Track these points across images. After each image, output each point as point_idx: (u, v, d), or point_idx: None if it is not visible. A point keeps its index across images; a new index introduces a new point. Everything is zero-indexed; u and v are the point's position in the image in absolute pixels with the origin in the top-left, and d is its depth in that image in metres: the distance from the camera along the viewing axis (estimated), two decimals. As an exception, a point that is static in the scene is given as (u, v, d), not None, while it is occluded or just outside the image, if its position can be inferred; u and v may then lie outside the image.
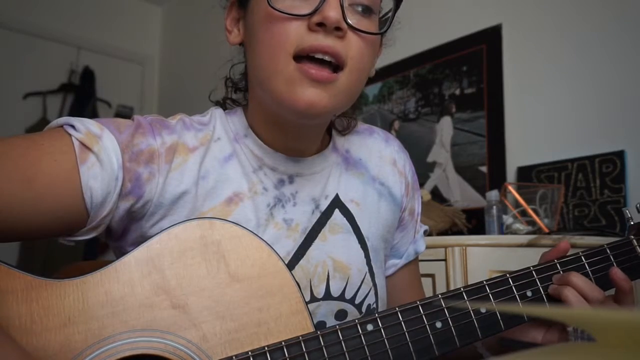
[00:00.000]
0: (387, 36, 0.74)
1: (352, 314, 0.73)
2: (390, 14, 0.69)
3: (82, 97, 3.29)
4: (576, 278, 0.65)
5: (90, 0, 3.39)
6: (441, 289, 1.34)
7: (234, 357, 0.57)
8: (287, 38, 0.62)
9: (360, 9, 0.64)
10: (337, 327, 0.59)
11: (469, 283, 0.71)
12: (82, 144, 0.62)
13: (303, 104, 0.62)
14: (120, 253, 0.66)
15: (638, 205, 0.73)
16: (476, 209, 1.87)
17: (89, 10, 3.38)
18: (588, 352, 0.20)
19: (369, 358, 0.59)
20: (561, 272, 0.67)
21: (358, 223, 0.77)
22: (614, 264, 0.69)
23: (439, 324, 0.62)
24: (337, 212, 0.76)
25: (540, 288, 0.67)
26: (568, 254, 0.71)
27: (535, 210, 1.58)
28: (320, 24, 0.61)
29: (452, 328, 0.62)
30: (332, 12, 0.60)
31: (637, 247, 0.71)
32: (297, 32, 0.62)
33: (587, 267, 0.68)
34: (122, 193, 0.64)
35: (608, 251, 0.70)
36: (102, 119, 0.66)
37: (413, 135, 2.15)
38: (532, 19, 1.87)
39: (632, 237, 0.72)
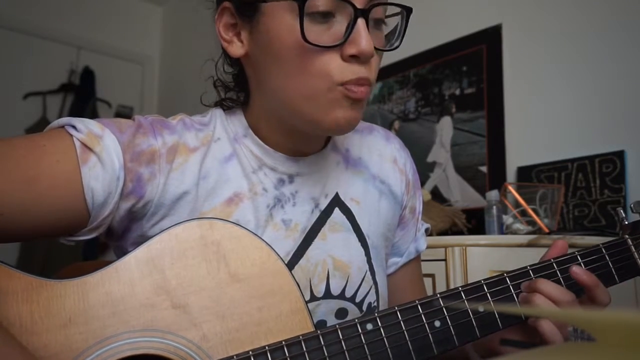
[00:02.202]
0: None
1: (353, 312, 0.73)
2: (399, 27, 0.68)
3: (82, 97, 3.29)
4: (544, 284, 0.64)
5: (90, 0, 3.39)
6: (441, 289, 1.34)
7: (234, 357, 0.57)
8: (328, 70, 0.62)
9: (372, 23, 0.65)
10: (337, 326, 0.59)
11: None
12: (84, 145, 0.62)
13: (343, 125, 0.65)
14: (121, 253, 0.66)
15: (632, 206, 0.73)
16: (476, 209, 1.87)
17: (89, 10, 3.38)
18: (588, 352, 0.21)
19: (369, 357, 0.59)
20: (557, 271, 0.67)
21: (358, 221, 0.77)
22: (610, 263, 0.69)
23: (437, 323, 0.62)
24: (336, 210, 0.76)
25: None
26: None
27: (535, 210, 1.58)
28: (354, 56, 0.62)
29: (451, 327, 0.62)
30: (365, 45, 0.61)
31: (632, 246, 0.71)
32: (335, 65, 0.62)
33: (583, 266, 0.68)
34: (123, 193, 0.64)
35: (603, 250, 0.70)
36: (104, 119, 0.66)
37: (413, 135, 2.15)
38: (532, 19, 1.87)
39: (627, 236, 0.72)
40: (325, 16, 0.61)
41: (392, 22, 0.68)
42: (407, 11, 0.67)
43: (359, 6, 0.61)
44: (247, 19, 0.66)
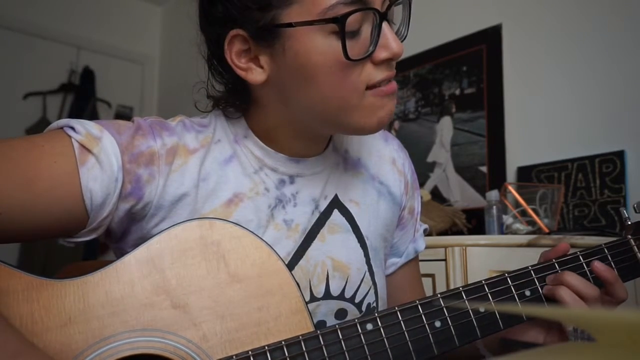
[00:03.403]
0: None
1: (352, 313, 0.73)
2: (404, 17, 0.70)
3: (82, 97, 3.29)
4: (570, 277, 0.65)
5: (90, 0, 3.39)
6: (441, 289, 1.34)
7: (234, 357, 0.57)
8: (362, 80, 0.63)
9: None
10: (337, 326, 0.59)
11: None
12: (82, 146, 0.62)
13: (385, 121, 0.67)
14: (121, 254, 0.66)
15: (635, 205, 0.73)
16: (476, 209, 1.87)
17: (89, 10, 3.38)
18: (588, 352, 0.21)
19: (369, 357, 0.59)
20: (559, 272, 0.68)
21: (357, 222, 0.77)
22: (612, 263, 0.69)
23: (438, 324, 0.62)
24: (336, 212, 0.76)
25: (539, 287, 0.67)
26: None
27: (535, 210, 1.58)
28: (387, 59, 0.63)
29: (452, 327, 0.62)
30: (396, 47, 0.63)
31: (635, 246, 0.71)
32: (367, 72, 0.64)
33: (585, 267, 0.68)
34: (122, 194, 0.64)
35: (606, 250, 0.70)
36: (102, 121, 0.67)
37: (413, 135, 2.15)
38: (533, 19, 1.87)
39: (630, 236, 0.72)
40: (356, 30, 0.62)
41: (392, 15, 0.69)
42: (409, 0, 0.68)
43: (380, 10, 0.62)
44: (266, 44, 0.64)
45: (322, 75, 0.63)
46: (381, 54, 0.63)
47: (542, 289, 0.67)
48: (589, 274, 0.68)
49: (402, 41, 0.68)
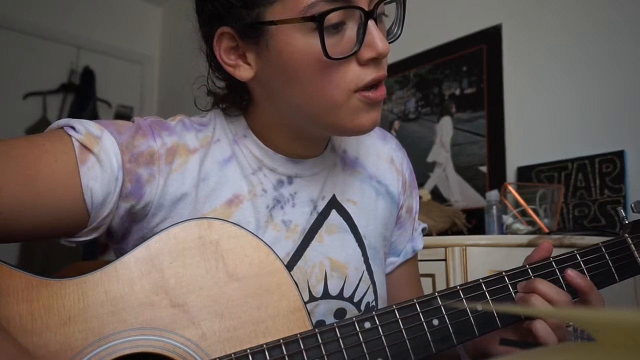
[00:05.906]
0: None
1: (351, 312, 0.73)
2: (398, 15, 0.68)
3: (82, 97, 3.29)
4: (541, 285, 0.63)
5: (90, 0, 3.39)
6: (441, 288, 1.34)
7: (232, 355, 0.57)
8: (344, 79, 0.63)
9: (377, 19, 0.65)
10: (335, 324, 0.59)
11: (467, 282, 0.71)
12: (82, 145, 0.62)
13: (367, 127, 0.66)
14: (122, 255, 0.67)
15: (632, 205, 0.73)
16: (476, 209, 1.87)
17: (89, 10, 3.38)
18: (588, 352, 0.21)
19: (367, 355, 0.59)
20: (557, 270, 0.67)
21: (355, 222, 0.77)
22: (609, 262, 0.69)
23: (436, 322, 0.62)
24: (334, 212, 0.76)
25: None
26: (563, 252, 0.70)
27: (535, 210, 1.58)
28: (372, 58, 0.62)
29: (449, 326, 0.62)
30: (382, 46, 0.61)
31: (632, 245, 0.71)
32: (352, 72, 0.63)
33: (583, 265, 0.68)
34: (122, 193, 0.64)
35: (603, 249, 0.70)
36: (103, 121, 0.67)
37: (413, 135, 2.15)
38: (533, 19, 1.87)
39: (627, 235, 0.72)
40: (337, 27, 0.61)
41: (390, 12, 0.68)
42: None
43: (366, 9, 0.61)
44: (252, 42, 0.65)
45: (305, 74, 0.63)
46: (366, 54, 0.62)
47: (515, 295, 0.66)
48: (586, 273, 0.68)
49: (394, 40, 0.67)
